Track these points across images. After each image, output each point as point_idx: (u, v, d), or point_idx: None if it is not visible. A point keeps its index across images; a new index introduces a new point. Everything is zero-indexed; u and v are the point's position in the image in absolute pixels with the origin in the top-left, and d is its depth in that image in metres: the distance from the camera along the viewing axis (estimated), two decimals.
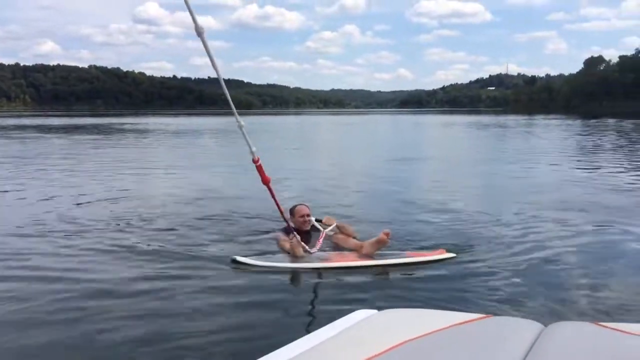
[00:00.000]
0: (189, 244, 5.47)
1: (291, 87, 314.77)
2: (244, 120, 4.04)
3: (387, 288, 4.24)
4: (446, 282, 4.26)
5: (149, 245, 5.45)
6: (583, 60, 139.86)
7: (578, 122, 43.72)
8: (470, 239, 5.50)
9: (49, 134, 29.75)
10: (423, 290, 4.10)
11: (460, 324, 1.42)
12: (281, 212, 4.77)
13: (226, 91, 3.81)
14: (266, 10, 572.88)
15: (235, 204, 7.74)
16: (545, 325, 1.37)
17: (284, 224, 5.27)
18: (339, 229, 5.42)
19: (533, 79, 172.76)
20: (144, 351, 3.16)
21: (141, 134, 29.77)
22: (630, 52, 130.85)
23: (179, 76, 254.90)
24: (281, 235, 5.34)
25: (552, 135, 28.17)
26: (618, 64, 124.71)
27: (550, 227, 6.18)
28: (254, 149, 3.98)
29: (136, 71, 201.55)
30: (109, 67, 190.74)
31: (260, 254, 4.99)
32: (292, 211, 5.53)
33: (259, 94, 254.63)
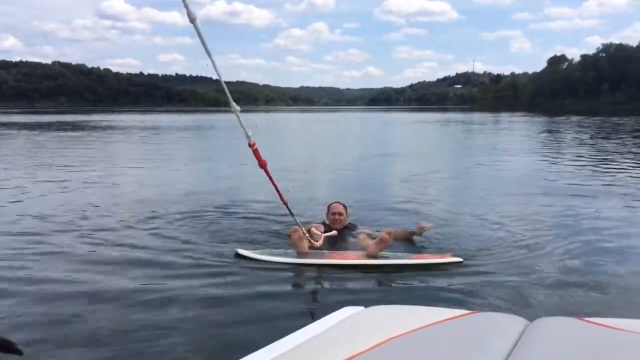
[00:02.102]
0: (189, 238, 5.58)
1: (260, 84, 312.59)
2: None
3: (380, 287, 4.29)
4: (434, 279, 4.31)
5: (148, 239, 5.55)
6: (547, 59, 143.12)
7: (545, 119, 44.65)
8: (453, 236, 5.55)
9: (13, 130, 29.05)
10: (412, 287, 4.19)
11: (447, 320, 1.42)
12: (279, 195, 4.62)
13: (221, 78, 3.83)
14: (234, 7, 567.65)
15: (227, 198, 7.95)
16: (531, 320, 1.38)
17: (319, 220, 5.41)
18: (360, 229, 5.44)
19: (499, 77, 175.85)
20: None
21: (115, 131, 29.34)
22: (591, 51, 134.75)
23: (145, 73, 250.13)
24: (297, 223, 5.08)
25: (522, 131, 28.93)
26: (580, 62, 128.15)
27: (532, 221, 6.28)
28: (249, 133, 4.00)
29: (102, 67, 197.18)
30: (74, 63, 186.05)
31: (260, 246, 5.11)
32: (328, 207, 5.57)
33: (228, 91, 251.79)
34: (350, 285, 4.27)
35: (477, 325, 1.42)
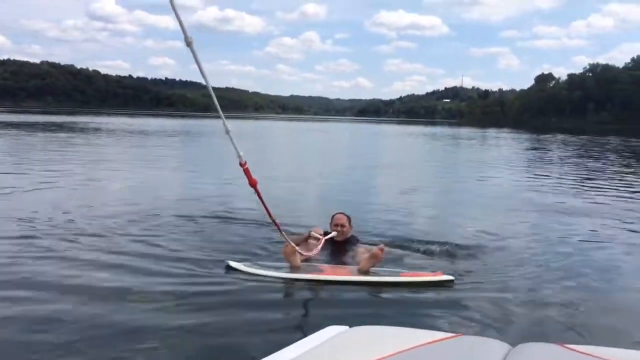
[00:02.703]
0: (181, 247, 5.54)
1: (250, 91, 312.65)
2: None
3: (365, 305, 4.23)
4: (420, 298, 4.28)
5: (141, 246, 5.49)
6: (534, 76, 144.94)
7: (532, 136, 45.18)
8: (437, 254, 5.49)
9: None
10: (398, 306, 4.14)
11: (430, 343, 1.41)
12: (269, 214, 4.57)
13: (216, 102, 3.86)
14: (227, 14, 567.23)
15: (219, 205, 7.94)
16: (513, 345, 1.39)
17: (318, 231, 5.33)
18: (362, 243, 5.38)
19: (486, 92, 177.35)
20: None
21: (104, 134, 29.09)
22: (578, 70, 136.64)
23: (135, 76, 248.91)
24: (286, 239, 5.04)
25: (509, 148, 29.20)
26: (567, 81, 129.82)
27: (517, 241, 6.26)
28: (241, 153, 3.99)
29: (90, 69, 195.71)
30: (62, 63, 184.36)
31: (252, 258, 5.06)
32: (332, 218, 5.50)
33: (217, 97, 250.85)
34: (338, 302, 4.23)
35: (460, 349, 1.42)
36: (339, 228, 5.30)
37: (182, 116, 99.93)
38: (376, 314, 3.98)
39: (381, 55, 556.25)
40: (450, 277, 4.60)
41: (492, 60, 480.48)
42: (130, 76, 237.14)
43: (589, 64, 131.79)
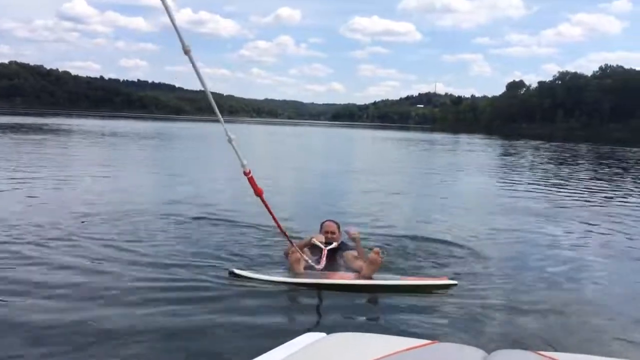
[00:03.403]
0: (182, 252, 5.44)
1: (224, 94, 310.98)
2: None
3: (347, 311, 4.18)
4: (398, 305, 4.25)
5: (141, 253, 5.36)
6: (505, 83, 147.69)
7: (504, 142, 45.99)
8: (416, 263, 5.46)
9: None
10: (377, 312, 4.13)
11: (406, 350, 1.42)
12: (276, 223, 4.56)
13: (216, 109, 3.87)
14: (200, 16, 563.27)
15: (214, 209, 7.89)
16: (489, 352, 1.40)
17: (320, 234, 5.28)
18: (356, 245, 5.27)
19: (459, 99, 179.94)
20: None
21: (77, 136, 28.49)
22: (548, 78, 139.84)
23: (106, 77, 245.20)
24: (293, 247, 5.05)
25: (486, 153, 29.68)
26: (537, 89, 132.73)
27: (491, 247, 6.25)
28: (244, 162, 3.93)
29: (60, 70, 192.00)
30: (32, 64, 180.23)
31: (252, 264, 5.03)
32: (321, 225, 5.47)
33: (191, 99, 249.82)
34: (319, 308, 4.22)
35: (435, 356, 1.43)
36: (329, 235, 5.28)
37: (155, 118, 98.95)
38: (354, 320, 3.95)
39: (355, 60, 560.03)
40: (454, 282, 4.61)
41: (465, 66, 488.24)
42: (101, 77, 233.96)
43: (559, 72, 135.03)
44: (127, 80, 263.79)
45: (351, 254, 5.15)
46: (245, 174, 3.99)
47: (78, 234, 6.03)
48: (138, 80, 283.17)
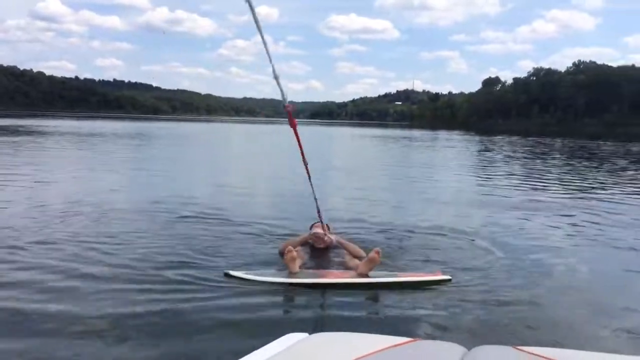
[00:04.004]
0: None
1: (202, 93, 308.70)
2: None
3: (329, 310, 4.19)
4: (379, 303, 4.27)
5: (134, 257, 5.27)
6: (482, 80, 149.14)
7: (482, 138, 46.40)
8: (399, 260, 5.42)
9: None
10: (358, 311, 4.10)
11: (387, 348, 1.44)
12: (303, 156, 5.11)
13: (271, 60, 4.49)
14: (177, 15, 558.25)
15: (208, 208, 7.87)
16: (469, 348, 1.42)
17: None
18: (341, 246, 5.30)
19: (437, 95, 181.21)
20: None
21: (54, 138, 28.01)
22: (523, 74, 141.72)
23: (81, 77, 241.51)
24: (291, 244, 5.14)
25: (467, 149, 29.97)
26: (512, 85, 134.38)
27: (470, 243, 6.25)
28: (286, 96, 4.62)
29: (35, 70, 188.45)
30: (5, 64, 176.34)
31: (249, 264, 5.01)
32: (311, 227, 5.47)
33: (168, 99, 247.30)
34: (300, 308, 4.18)
35: (417, 354, 1.45)
36: (314, 238, 5.29)
37: (133, 118, 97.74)
38: (339, 319, 3.94)
39: (333, 58, 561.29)
40: (448, 277, 4.66)
41: (442, 63, 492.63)
42: (76, 77, 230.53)
43: (534, 68, 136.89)
44: (103, 80, 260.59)
45: (349, 249, 5.19)
46: (285, 107, 4.71)
47: (59, 236, 5.98)
48: (114, 79, 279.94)
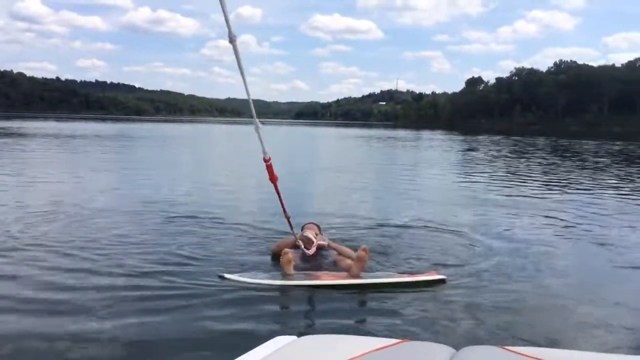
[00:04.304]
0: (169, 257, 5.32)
1: (186, 94, 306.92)
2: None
3: (314, 313, 4.18)
4: (368, 304, 4.24)
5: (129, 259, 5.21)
6: (464, 80, 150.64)
7: (469, 137, 46.81)
8: (387, 260, 5.40)
9: None
10: (346, 313, 4.08)
11: (376, 350, 1.45)
12: (284, 211, 4.92)
13: (251, 105, 4.12)
14: (159, 15, 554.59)
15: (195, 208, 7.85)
16: (457, 349, 1.44)
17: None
18: (337, 251, 5.25)
19: (420, 95, 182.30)
20: None
21: (38, 140, 27.62)
22: (505, 74, 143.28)
23: (62, 78, 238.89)
24: (284, 245, 5.20)
25: (452, 149, 30.20)
26: (495, 85, 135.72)
27: (457, 243, 6.19)
28: (265, 148, 4.32)
29: (15, 71, 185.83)
30: None
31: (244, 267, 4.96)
32: (302, 228, 5.43)
33: (151, 99, 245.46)
34: (288, 310, 4.17)
35: (405, 355, 1.46)
36: (305, 241, 5.21)
37: (117, 120, 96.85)
38: (329, 321, 3.92)
39: (317, 59, 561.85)
40: (443, 277, 4.64)
41: (425, 63, 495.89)
42: (57, 78, 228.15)
43: (515, 68, 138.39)
44: (84, 81, 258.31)
45: (339, 250, 5.19)
46: (265, 160, 4.39)
47: (45, 240, 5.90)
48: (96, 80, 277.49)
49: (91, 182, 11.56)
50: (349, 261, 4.92)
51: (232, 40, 3.27)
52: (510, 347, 1.46)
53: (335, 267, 4.98)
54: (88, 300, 4.10)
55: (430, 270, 4.88)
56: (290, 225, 5.08)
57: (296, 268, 4.84)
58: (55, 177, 11.99)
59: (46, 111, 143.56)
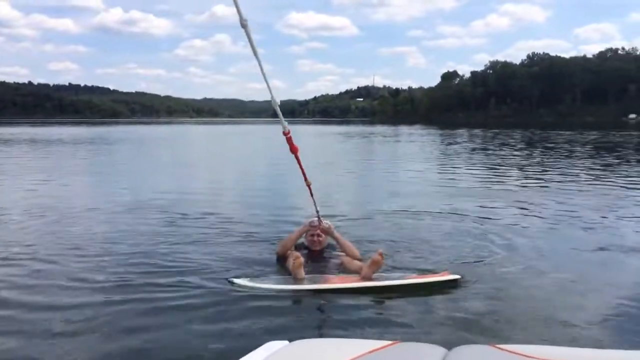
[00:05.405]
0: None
1: (162, 95, 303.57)
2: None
3: (305, 317, 4.09)
4: (354, 307, 4.14)
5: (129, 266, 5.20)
6: (440, 74, 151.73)
7: (447, 131, 46.91)
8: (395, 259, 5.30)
9: None
10: (335, 317, 4.06)
11: (368, 353, 1.45)
12: (305, 179, 5.12)
13: (269, 86, 4.38)
14: (131, 15, 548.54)
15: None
16: (449, 349, 1.44)
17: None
18: (337, 242, 5.23)
19: (397, 90, 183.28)
20: None
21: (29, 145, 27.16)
22: (480, 67, 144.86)
23: (35, 82, 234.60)
24: (289, 244, 5.19)
25: (433, 143, 30.44)
26: (470, 78, 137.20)
27: (443, 241, 6.12)
28: (285, 123, 4.56)
29: None
30: None
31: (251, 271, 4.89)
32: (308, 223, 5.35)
33: (126, 101, 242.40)
34: (277, 316, 4.00)
35: (398, 357, 1.47)
36: (315, 238, 5.20)
37: (91, 123, 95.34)
38: (323, 325, 3.93)
39: (293, 56, 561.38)
40: (457, 277, 4.51)
41: (401, 59, 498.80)
42: (30, 83, 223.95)
43: (489, 62, 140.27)
44: (57, 85, 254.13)
45: (343, 246, 5.15)
46: (285, 134, 4.61)
47: (39, 246, 5.95)
48: (69, 84, 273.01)
49: (84, 187, 11.51)
50: (358, 263, 4.85)
51: (243, 25, 3.50)
52: (501, 346, 1.47)
53: (343, 268, 4.88)
54: (88, 304, 4.17)
55: (441, 270, 4.73)
56: (311, 192, 5.23)
57: (303, 268, 4.71)
58: (47, 182, 11.90)
59: (19, 116, 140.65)
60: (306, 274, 4.64)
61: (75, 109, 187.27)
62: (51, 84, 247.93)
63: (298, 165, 5.01)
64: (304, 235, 5.31)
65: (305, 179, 5.15)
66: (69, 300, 4.21)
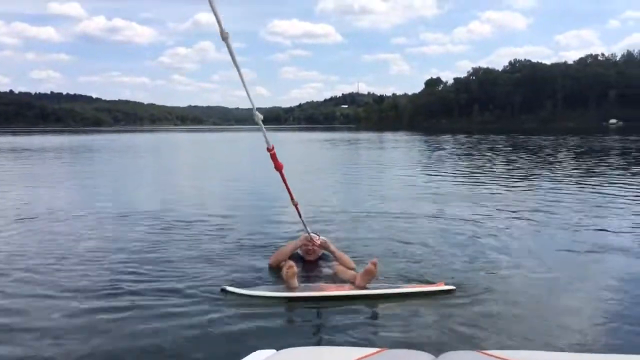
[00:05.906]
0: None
1: (145, 103, 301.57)
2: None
3: (292, 326, 4.06)
4: (343, 316, 4.09)
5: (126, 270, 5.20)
6: (424, 81, 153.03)
7: (432, 138, 47.12)
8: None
9: None
10: (322, 325, 4.05)
11: None
12: (292, 198, 4.76)
13: (251, 99, 4.10)
14: (115, 23, 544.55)
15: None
16: (437, 355, 1.44)
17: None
18: (334, 255, 5.19)
19: (382, 97, 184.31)
20: None
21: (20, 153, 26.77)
22: (463, 74, 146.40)
23: (16, 91, 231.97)
24: (282, 256, 5.14)
25: (421, 149, 30.65)
26: (453, 85, 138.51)
27: (429, 247, 6.10)
28: (269, 139, 4.27)
29: None
30: None
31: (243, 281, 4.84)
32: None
33: (109, 110, 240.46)
34: (267, 324, 3.97)
35: None
36: (309, 247, 5.19)
37: (74, 132, 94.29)
38: (311, 333, 3.92)
39: (278, 64, 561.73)
40: (452, 287, 4.49)
41: (385, 66, 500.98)
42: (11, 91, 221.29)
43: (472, 68, 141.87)
44: (39, 93, 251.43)
45: (337, 256, 5.14)
46: (269, 150, 4.32)
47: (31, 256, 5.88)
48: (51, 92, 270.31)
49: (71, 195, 11.41)
50: (351, 272, 4.84)
51: (224, 37, 3.37)
52: (489, 351, 1.46)
53: (336, 277, 4.86)
54: (82, 310, 4.15)
55: (437, 280, 4.72)
56: (299, 212, 4.94)
57: (297, 278, 4.67)
58: (32, 190, 11.78)
59: (1, 125, 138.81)
60: (299, 283, 4.58)
61: (58, 117, 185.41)
62: (33, 92, 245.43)
63: (284, 184, 4.64)
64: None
65: (292, 199, 4.80)
66: (59, 309, 4.17)
